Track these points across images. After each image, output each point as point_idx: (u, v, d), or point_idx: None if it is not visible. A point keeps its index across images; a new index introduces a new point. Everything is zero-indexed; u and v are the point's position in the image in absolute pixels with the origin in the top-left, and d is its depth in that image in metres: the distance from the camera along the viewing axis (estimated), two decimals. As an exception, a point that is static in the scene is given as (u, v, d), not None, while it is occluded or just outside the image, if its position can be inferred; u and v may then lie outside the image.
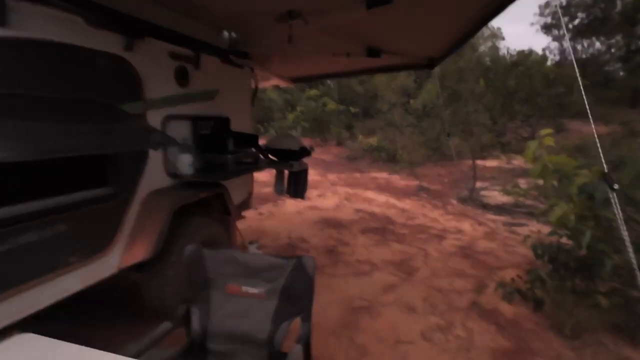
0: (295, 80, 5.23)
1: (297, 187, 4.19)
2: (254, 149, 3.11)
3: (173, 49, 2.51)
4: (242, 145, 3.18)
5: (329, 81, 26.76)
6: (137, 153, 2.29)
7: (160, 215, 2.27)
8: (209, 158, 2.80)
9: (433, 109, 11.47)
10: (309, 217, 5.54)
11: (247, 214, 5.67)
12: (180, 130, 2.63)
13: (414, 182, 8.43)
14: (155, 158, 2.41)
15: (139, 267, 2.23)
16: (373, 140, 12.80)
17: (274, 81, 4.60)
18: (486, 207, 6.29)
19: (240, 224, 5.05)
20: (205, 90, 2.91)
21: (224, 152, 2.64)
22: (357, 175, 9.69)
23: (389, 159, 11.48)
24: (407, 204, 6.56)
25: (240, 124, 3.40)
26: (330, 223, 5.25)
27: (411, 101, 13.36)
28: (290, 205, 6.24)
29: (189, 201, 2.47)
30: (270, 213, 5.74)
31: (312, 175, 9.27)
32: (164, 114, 2.47)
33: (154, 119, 2.39)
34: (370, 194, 7.31)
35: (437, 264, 3.82)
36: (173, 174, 2.55)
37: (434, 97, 10.24)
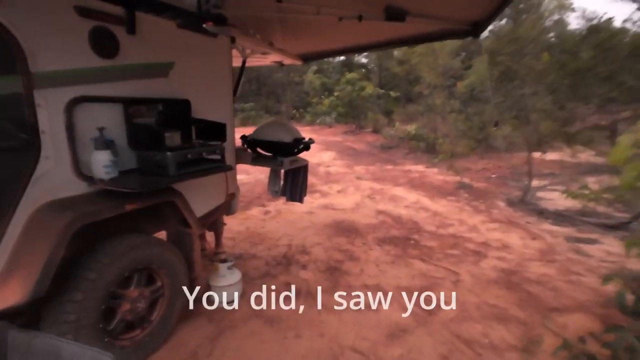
0: (304, 57, 4.36)
1: (293, 189, 3.41)
2: (221, 142, 2.36)
3: (83, 3, 1.79)
4: (207, 137, 2.43)
5: (371, 64, 25.41)
6: (17, 145, 1.62)
7: (48, 237, 1.59)
8: (143, 156, 2.08)
9: (482, 93, 9.98)
10: (319, 219, 4.75)
11: (252, 212, 5.02)
12: (101, 118, 1.92)
13: (453, 178, 7.26)
14: (57, 154, 1.74)
15: (14, 314, 1.58)
16: (411, 128, 11.58)
17: (275, 57, 3.78)
18: (543, 213, 5.08)
19: (239, 226, 4.41)
20: (149, 64, 2.17)
21: (161, 148, 1.92)
22: (389, 167, 8.66)
23: (428, 149, 10.25)
24: (441, 205, 5.51)
25: (212, 109, 2.65)
26: (343, 228, 4.41)
27: (458, 84, 11.86)
28: (305, 204, 5.48)
29: (103, 216, 1.77)
30: (277, 212, 5.02)
31: (338, 166, 8.42)
32: (70, 95, 1.77)
33: (53, 100, 1.70)
34: (399, 191, 6.32)
35: (470, 297, 2.86)
36: (89, 177, 1.87)
37: (484, 78, 8.80)
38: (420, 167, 8.64)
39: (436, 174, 7.82)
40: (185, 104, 2.40)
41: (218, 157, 2.34)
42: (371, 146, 11.86)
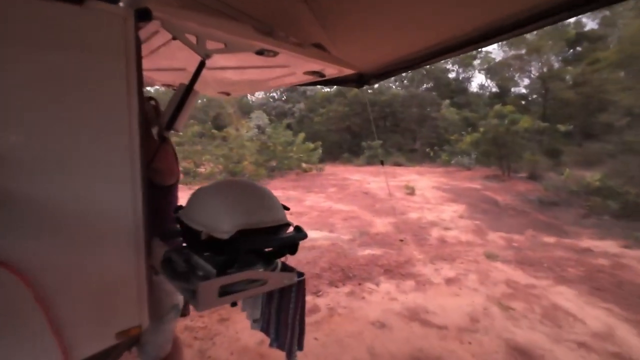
0: (369, 77, 2.52)
1: (280, 328, 1.54)
2: None
3: None
4: None
5: (533, 93, 20.74)
6: None
7: None
8: None
9: None
10: (390, 344, 2.63)
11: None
12: None
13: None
14: None
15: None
16: (592, 176, 7.82)
17: (300, 77, 2.03)
18: None
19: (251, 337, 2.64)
20: None
21: None
22: (549, 240, 5.56)
23: (624, 212, 6.47)
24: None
25: (71, 162, 1.11)
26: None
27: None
28: (382, 300, 3.43)
29: None
30: (331, 312, 3.14)
31: (462, 229, 5.87)
32: None
33: None
34: (567, 298, 3.51)
35: None
36: None
37: None
38: (610, 246, 5.23)
39: (647, 265, 4.42)
40: None
41: None
42: (522, 199, 8.53)
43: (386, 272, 4.04)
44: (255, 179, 11.27)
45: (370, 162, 17.59)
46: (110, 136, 1.12)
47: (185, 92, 1.56)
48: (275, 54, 1.45)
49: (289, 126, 18.74)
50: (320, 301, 3.34)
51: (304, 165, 14.01)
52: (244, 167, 11.65)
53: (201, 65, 1.49)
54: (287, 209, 1.38)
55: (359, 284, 3.72)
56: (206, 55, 1.45)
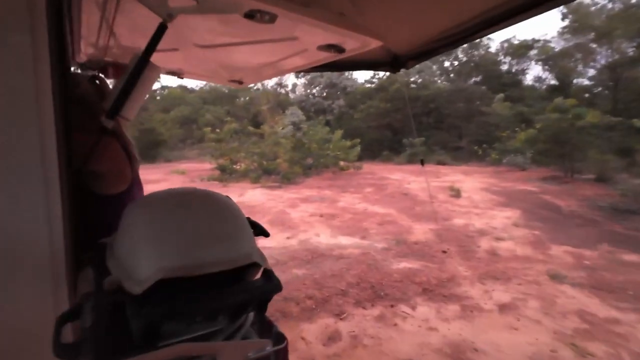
0: (404, 58, 1.94)
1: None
2: None
3: None
4: None
5: (598, 86, 18.42)
6: None
7: None
8: None
9: None
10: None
11: (313, 329, 2.74)
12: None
13: None
14: None
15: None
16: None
17: (315, 54, 1.54)
18: None
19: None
20: None
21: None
22: (632, 260, 4.57)
23: None
24: None
25: None
26: None
27: None
28: (417, 330, 2.85)
29: None
30: (354, 342, 2.62)
31: (517, 240, 5.06)
32: None
33: None
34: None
35: None
36: None
37: None
38: None
39: None
40: None
41: None
42: (591, 206, 7.36)
43: (424, 292, 3.43)
44: (290, 177, 10.95)
45: (411, 160, 16.64)
46: (9, 130, 0.75)
47: (136, 68, 1.11)
48: (271, 17, 0.95)
49: (327, 123, 18.30)
50: (343, 326, 2.82)
51: (341, 163, 13.49)
52: (278, 165, 11.37)
53: (161, 30, 1.05)
54: (267, 234, 0.88)
55: (391, 306, 3.15)
56: (168, 16, 1.00)
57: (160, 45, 1.87)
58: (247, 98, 25.65)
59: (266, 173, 11.51)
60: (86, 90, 1.25)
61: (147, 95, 1.34)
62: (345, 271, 3.85)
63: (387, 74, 26.82)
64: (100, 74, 2.58)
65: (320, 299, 3.23)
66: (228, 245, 0.73)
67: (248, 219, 0.84)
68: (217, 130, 12.40)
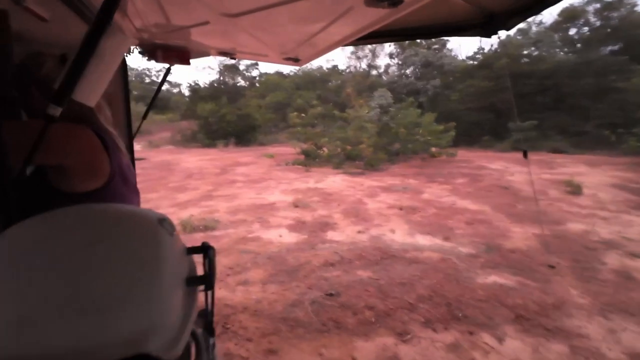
0: (502, 17, 1.36)
1: None
2: None
3: None
4: None
5: None
6: None
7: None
8: None
9: None
10: None
11: (369, 348, 2.30)
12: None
13: None
14: None
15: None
16: None
17: (364, 12, 1.15)
18: None
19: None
20: None
21: None
22: None
23: None
24: None
25: None
26: None
27: None
28: None
29: None
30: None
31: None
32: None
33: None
34: None
35: None
36: None
37: None
38: None
39: None
40: None
41: None
42: None
43: (518, 320, 2.71)
44: (374, 164, 10.42)
45: (518, 147, 14.41)
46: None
47: (91, 36, 0.83)
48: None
49: (420, 105, 17.00)
50: (404, 351, 2.35)
51: (432, 149, 12.37)
52: (361, 151, 10.91)
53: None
54: (201, 281, 0.54)
55: (470, 333, 2.54)
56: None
57: (188, 20, 1.66)
58: (339, 82, 25.44)
59: (349, 159, 11.18)
60: (52, 72, 1.04)
61: (112, 76, 1.06)
62: (418, 280, 3.30)
63: (494, 46, 23.62)
64: (149, 58, 2.47)
65: (383, 311, 2.79)
66: (93, 321, 0.38)
67: (196, 249, 0.56)
68: (303, 114, 12.44)
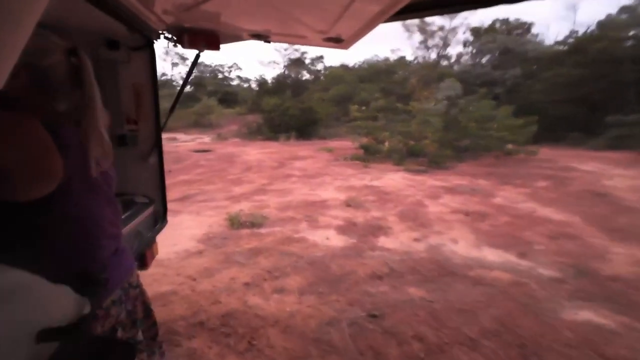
0: None
1: None
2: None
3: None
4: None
5: None
6: None
7: None
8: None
9: None
10: None
11: None
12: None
13: None
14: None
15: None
16: None
17: None
18: None
19: None
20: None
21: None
22: None
23: None
24: None
25: None
26: None
27: None
28: None
29: None
30: None
31: None
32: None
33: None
34: None
35: None
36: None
37: None
38: None
39: None
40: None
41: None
42: None
43: None
44: (438, 161, 9.57)
45: (616, 145, 12.25)
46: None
47: None
48: None
49: (496, 97, 15.36)
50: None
51: (508, 146, 11.04)
52: (424, 146, 10.08)
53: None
54: None
55: None
56: None
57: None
58: (406, 73, 24.22)
59: (412, 155, 10.43)
60: (55, 65, 0.82)
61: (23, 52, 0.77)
62: (483, 307, 2.72)
63: (590, 27, 20.44)
64: (176, 43, 2.26)
65: (435, 344, 2.30)
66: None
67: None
68: (363, 107, 11.93)
